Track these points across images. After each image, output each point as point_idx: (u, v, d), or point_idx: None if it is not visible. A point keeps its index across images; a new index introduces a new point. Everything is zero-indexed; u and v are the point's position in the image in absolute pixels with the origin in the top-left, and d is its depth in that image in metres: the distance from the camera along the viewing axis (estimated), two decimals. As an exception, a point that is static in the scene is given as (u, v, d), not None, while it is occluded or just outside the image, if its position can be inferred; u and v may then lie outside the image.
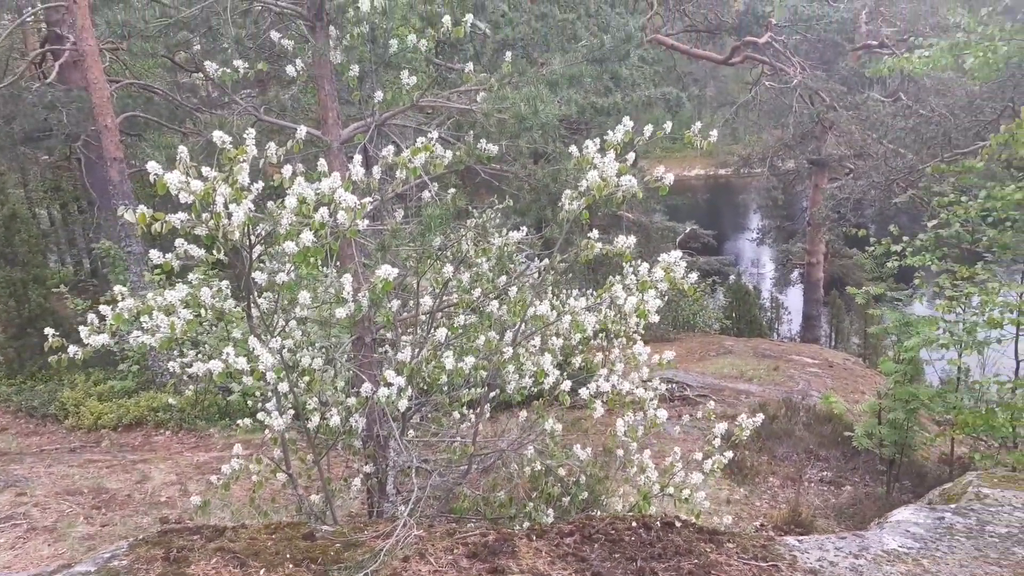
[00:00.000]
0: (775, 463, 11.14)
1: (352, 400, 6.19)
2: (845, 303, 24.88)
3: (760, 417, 5.57)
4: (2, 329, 15.56)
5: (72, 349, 5.25)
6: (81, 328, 5.08)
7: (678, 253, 4.81)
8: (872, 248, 10.22)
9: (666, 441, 10.74)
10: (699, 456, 5.57)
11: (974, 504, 4.69)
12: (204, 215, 4.25)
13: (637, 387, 5.25)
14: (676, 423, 6.50)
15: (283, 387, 5.20)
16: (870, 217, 23.89)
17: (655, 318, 4.80)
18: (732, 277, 27.25)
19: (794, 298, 30.36)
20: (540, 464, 5.86)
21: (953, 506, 4.73)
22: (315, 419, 5.71)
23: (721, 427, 5.55)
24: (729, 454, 5.54)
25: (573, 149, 5.18)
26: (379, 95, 5.89)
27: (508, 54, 6.08)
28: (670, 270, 4.78)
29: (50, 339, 5.28)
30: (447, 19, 5.48)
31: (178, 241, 4.73)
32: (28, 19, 18.53)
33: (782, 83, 21.38)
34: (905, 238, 10.19)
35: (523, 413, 6.10)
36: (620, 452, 5.83)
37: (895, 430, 9.79)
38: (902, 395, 9.67)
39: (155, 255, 4.80)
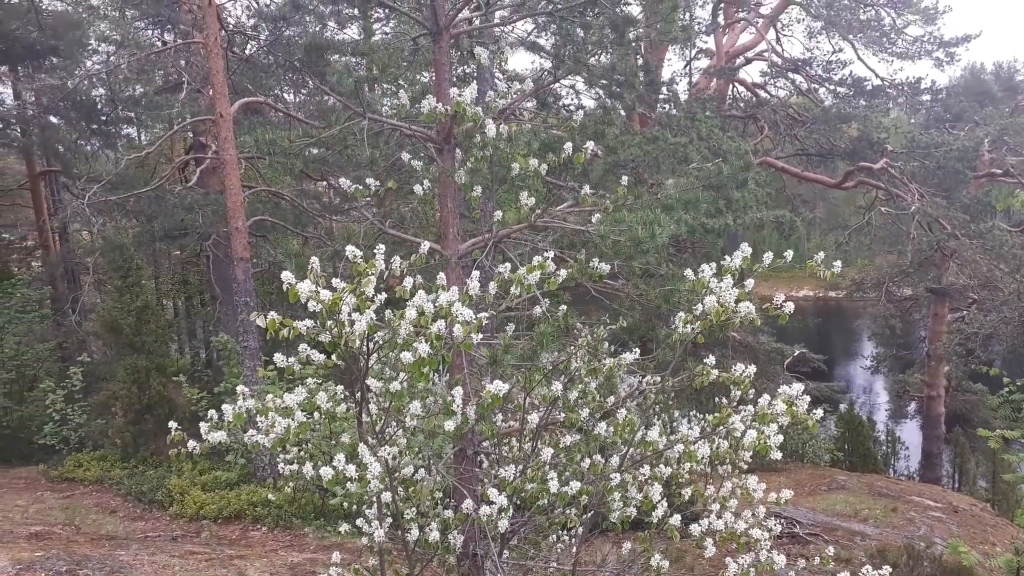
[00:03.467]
0: (896, 617, 10.15)
1: (449, 513, 6.12)
2: (970, 442, 23.10)
3: (888, 570, 5.12)
4: (123, 413, 16.39)
5: (191, 444, 5.45)
6: (202, 424, 5.28)
7: (800, 386, 4.61)
8: (1007, 390, 9.53)
9: (774, 582, 10.03)
10: (818, 607, 5.14)
11: None
12: (329, 323, 4.41)
13: (752, 527, 4.95)
14: (790, 567, 6.06)
15: (386, 496, 5.19)
16: (999, 353, 22.41)
17: (777, 455, 4.56)
18: (843, 406, 25.88)
19: (911, 432, 28.43)
20: (642, 600, 5.55)
21: None
22: (415, 531, 5.65)
23: (843, 576, 5.13)
24: (852, 608, 5.09)
25: (689, 272, 5.15)
26: (498, 214, 6.08)
27: (624, 179, 6.20)
28: (792, 404, 4.57)
29: (173, 433, 5.50)
30: (568, 146, 5.66)
31: (301, 346, 4.90)
32: (178, 130, 20.40)
33: (898, 209, 20.80)
34: (1044, 379, 9.47)
35: (627, 544, 5.83)
36: (729, 594, 5.46)
37: (1037, 592, 8.81)
38: (1044, 553, 8.75)
39: (279, 359, 4.97)
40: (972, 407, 25.26)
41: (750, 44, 23.79)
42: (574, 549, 6.47)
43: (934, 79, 32.56)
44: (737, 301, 4.67)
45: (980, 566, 11.45)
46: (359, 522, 5.95)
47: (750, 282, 4.91)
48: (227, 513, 12.87)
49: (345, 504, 6.74)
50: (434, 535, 5.44)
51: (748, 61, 23.97)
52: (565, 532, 6.69)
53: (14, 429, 17.79)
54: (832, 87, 23.38)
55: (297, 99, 23.19)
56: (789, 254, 5.02)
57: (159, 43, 21.18)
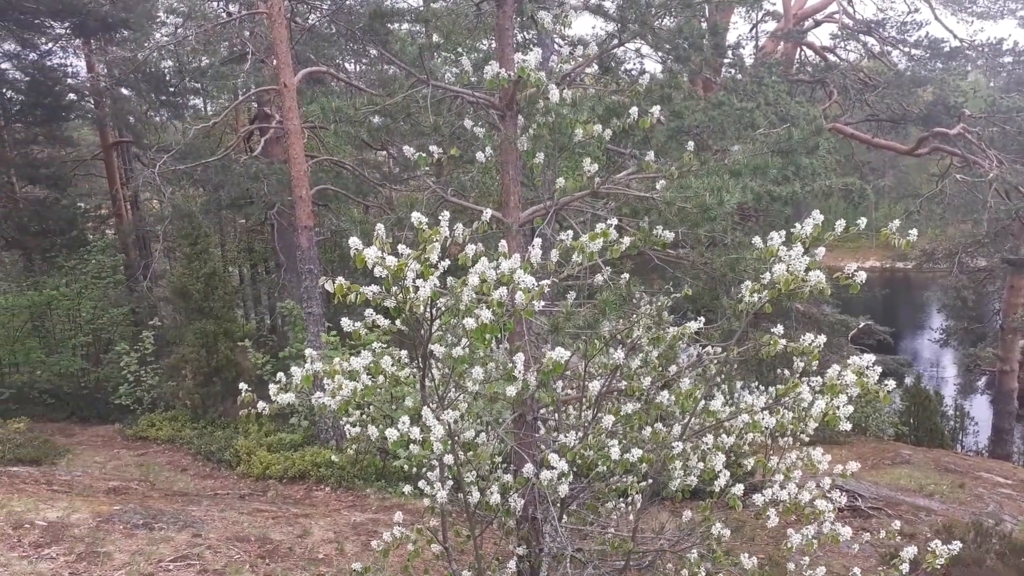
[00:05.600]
0: (962, 595, 9.93)
1: (509, 477, 6.19)
2: (1044, 419, 22.30)
3: (957, 545, 5.00)
4: (192, 376, 17.00)
5: (261, 405, 5.62)
6: (271, 386, 5.43)
7: (871, 357, 4.50)
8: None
9: (834, 556, 9.91)
10: (884, 581, 5.06)
11: None
12: (394, 288, 4.48)
13: (817, 498, 4.88)
14: (854, 540, 5.98)
15: (448, 459, 5.28)
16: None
17: (846, 426, 4.47)
18: (909, 379, 25.19)
19: (981, 408, 27.56)
20: (702, 569, 5.54)
21: None
22: (475, 494, 5.74)
23: (910, 550, 5.03)
24: (919, 583, 5.00)
25: (757, 240, 5.05)
26: (560, 181, 6.04)
27: (691, 144, 6.08)
28: (863, 374, 4.46)
29: (243, 394, 5.68)
30: (634, 110, 5.57)
31: (368, 311, 4.99)
32: (243, 100, 20.77)
33: (975, 176, 19.93)
34: None
35: (687, 512, 5.82)
36: (791, 566, 5.42)
37: (1115, 574, 8.50)
38: (1124, 534, 8.41)
39: (346, 323, 5.07)
40: (1048, 383, 24.32)
41: (819, 5, 22.94)
42: (632, 516, 6.49)
43: (1016, 40, 30.98)
44: (807, 270, 4.56)
45: (1053, 546, 11.08)
46: (421, 484, 6.08)
47: (820, 251, 4.79)
48: (292, 473, 13.29)
49: (406, 467, 6.89)
50: (495, 498, 5.52)
51: (817, 23, 23.13)
52: (623, 500, 6.72)
53: (92, 390, 18.67)
54: (907, 49, 22.42)
55: (358, 69, 23.36)
56: (862, 222, 4.88)
57: (224, 14, 21.52)
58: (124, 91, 23.17)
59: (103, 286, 19.69)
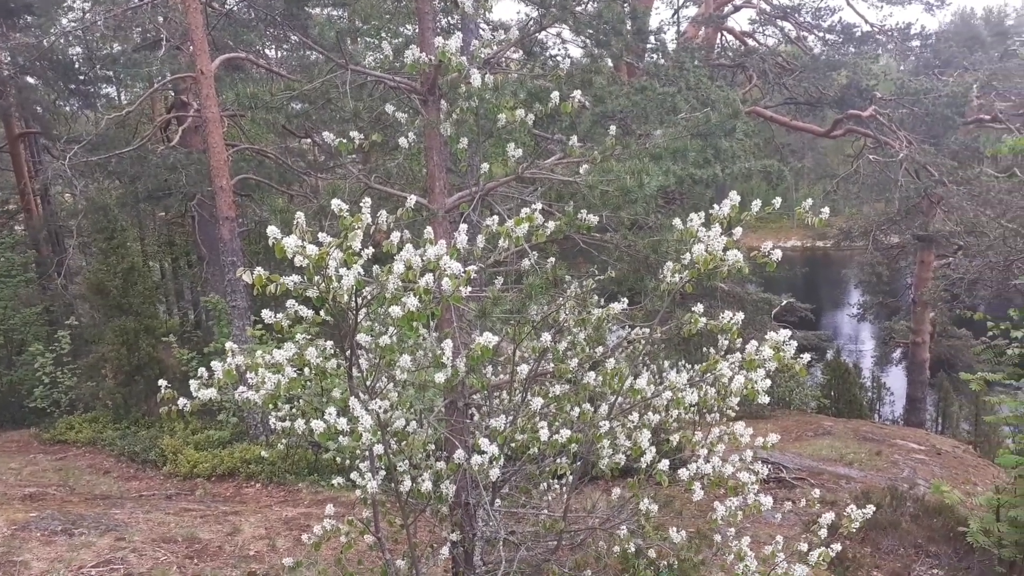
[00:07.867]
0: (879, 556, 10.43)
1: (442, 464, 6.19)
2: (954, 386, 23.50)
3: (871, 509, 5.24)
4: (112, 375, 16.39)
5: (182, 402, 5.45)
6: (191, 382, 5.27)
7: (787, 332, 4.65)
8: (991, 333, 9.64)
9: (761, 526, 10.24)
10: (804, 547, 5.26)
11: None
12: (316, 278, 4.39)
13: (739, 471, 5.03)
14: (777, 510, 6.19)
15: (378, 449, 5.24)
16: (985, 298, 22.71)
17: (765, 399, 4.62)
18: (830, 354, 26.20)
19: (896, 378, 28.88)
20: (632, 545, 5.66)
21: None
22: (407, 482, 5.71)
23: (828, 516, 5.24)
24: (837, 547, 5.21)
25: (677, 221, 5.14)
26: (485, 166, 6.02)
27: (612, 128, 6.14)
28: (780, 349, 4.61)
29: (163, 391, 5.49)
30: (555, 95, 5.59)
31: (289, 302, 4.89)
32: (158, 88, 19.99)
33: (886, 156, 20.76)
34: (1027, 322, 9.57)
35: (616, 490, 5.93)
36: (717, 537, 5.58)
37: (1016, 529, 9.03)
38: (1025, 491, 8.95)
39: (267, 315, 4.96)
40: (956, 352, 25.66)
41: (739, -10, 23.44)
42: (565, 497, 6.58)
43: (924, 24, 32.41)
44: (725, 249, 4.67)
45: (962, 505, 11.72)
46: (353, 475, 6.02)
47: (738, 231, 4.91)
48: (221, 471, 12.98)
49: (338, 459, 6.80)
50: (427, 485, 5.50)
51: (737, 8, 23.64)
52: (556, 480, 6.80)
53: (4, 394, 17.82)
54: (821, 34, 23.14)
55: (279, 55, 22.75)
56: (777, 201, 5.01)
57: (135, -2, 20.62)
58: (30, 80, 22.00)
59: (13, 285, 18.79)
